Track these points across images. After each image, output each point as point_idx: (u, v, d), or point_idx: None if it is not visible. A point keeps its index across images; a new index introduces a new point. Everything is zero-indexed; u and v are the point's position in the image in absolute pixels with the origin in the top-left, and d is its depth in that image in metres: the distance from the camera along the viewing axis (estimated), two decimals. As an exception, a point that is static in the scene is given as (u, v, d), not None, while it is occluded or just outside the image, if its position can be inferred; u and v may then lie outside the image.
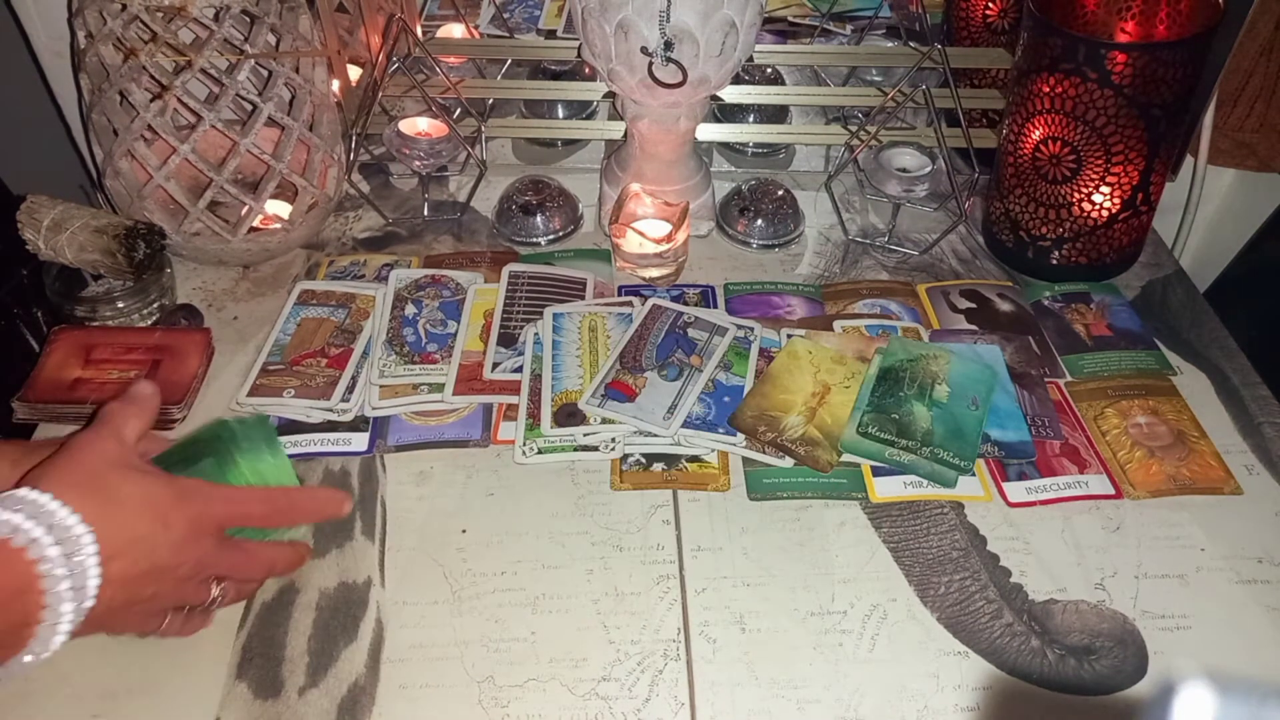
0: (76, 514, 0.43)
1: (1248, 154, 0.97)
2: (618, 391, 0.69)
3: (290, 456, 0.68)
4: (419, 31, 0.93)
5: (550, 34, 1.04)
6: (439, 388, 0.71)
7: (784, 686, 0.55)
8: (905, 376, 0.70)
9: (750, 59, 0.83)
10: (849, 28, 1.03)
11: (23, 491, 0.43)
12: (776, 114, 0.99)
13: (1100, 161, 0.74)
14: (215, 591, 0.51)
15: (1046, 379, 0.73)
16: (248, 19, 0.79)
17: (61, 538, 0.42)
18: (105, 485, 0.46)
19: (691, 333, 0.74)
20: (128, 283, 0.77)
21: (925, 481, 0.66)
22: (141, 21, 0.75)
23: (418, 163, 0.87)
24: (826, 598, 0.60)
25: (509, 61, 1.03)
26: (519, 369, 0.72)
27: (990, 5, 0.92)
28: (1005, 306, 0.80)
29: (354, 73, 0.92)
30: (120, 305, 0.77)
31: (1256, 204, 1.01)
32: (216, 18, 0.77)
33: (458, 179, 0.95)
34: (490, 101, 0.99)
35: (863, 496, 0.65)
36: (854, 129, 0.91)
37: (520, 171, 0.92)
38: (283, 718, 0.54)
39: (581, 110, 1.00)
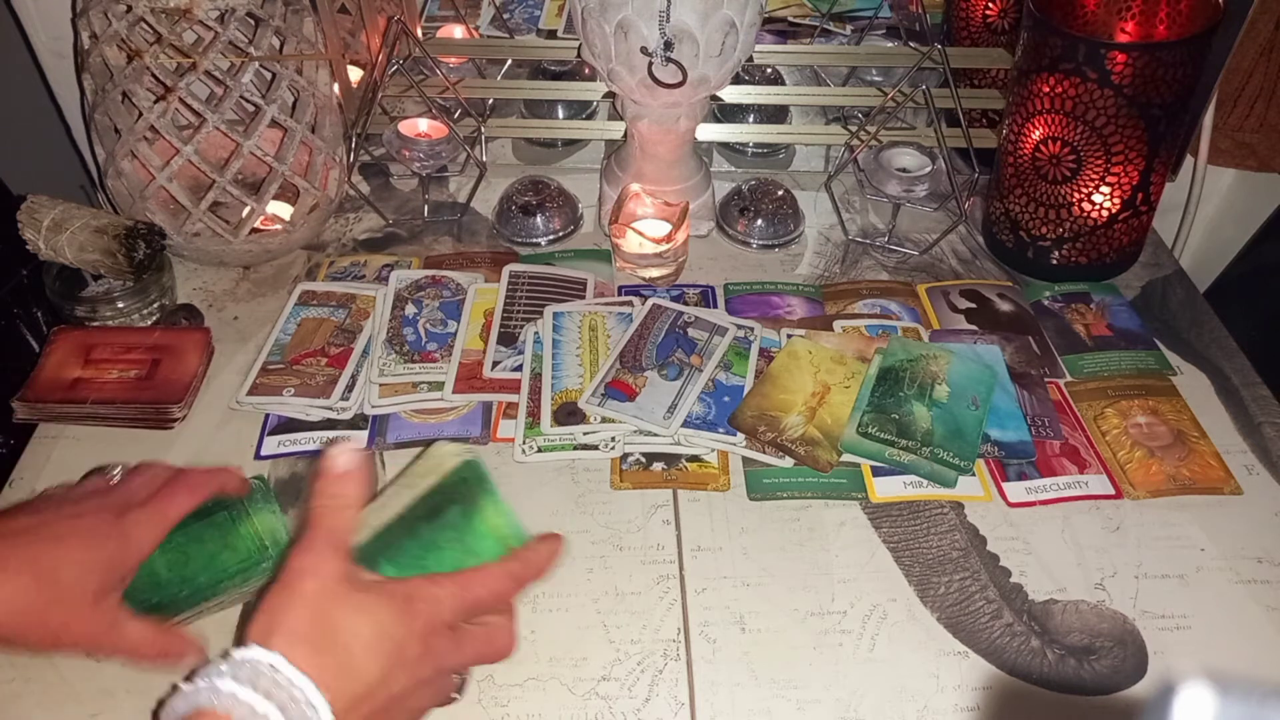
0: (306, 676, 0.38)
1: (1248, 154, 0.97)
2: (618, 391, 0.69)
3: (290, 455, 0.68)
4: (419, 32, 0.93)
5: (550, 34, 1.04)
6: (439, 386, 0.71)
7: (784, 686, 0.55)
8: (905, 376, 0.70)
9: (750, 59, 0.83)
10: (849, 28, 1.03)
11: (254, 654, 0.38)
12: (776, 114, 0.99)
13: (1100, 161, 0.74)
14: (456, 680, 0.48)
15: (1046, 379, 0.73)
16: (252, 21, 0.79)
17: (293, 712, 0.37)
18: (333, 630, 0.40)
19: (691, 332, 0.74)
20: (128, 283, 0.77)
21: (925, 481, 0.66)
22: (146, 23, 0.76)
23: (418, 164, 0.87)
24: (826, 598, 0.60)
25: (509, 62, 1.03)
26: (519, 368, 0.72)
27: (990, 5, 0.92)
28: (1005, 306, 0.80)
29: (355, 74, 0.92)
30: (120, 305, 0.77)
31: (1256, 204, 1.01)
32: (221, 20, 0.77)
33: (458, 180, 0.95)
34: (490, 102, 0.99)
35: (863, 496, 0.65)
36: (854, 129, 0.91)
37: (520, 172, 0.92)
38: (282, 717, 0.54)
39: (581, 110, 1.00)
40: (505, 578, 0.46)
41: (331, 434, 0.69)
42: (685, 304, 0.78)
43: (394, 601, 0.43)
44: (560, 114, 1.00)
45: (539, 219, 0.87)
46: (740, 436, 0.68)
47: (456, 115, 0.92)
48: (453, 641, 0.44)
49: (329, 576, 0.42)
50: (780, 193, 0.88)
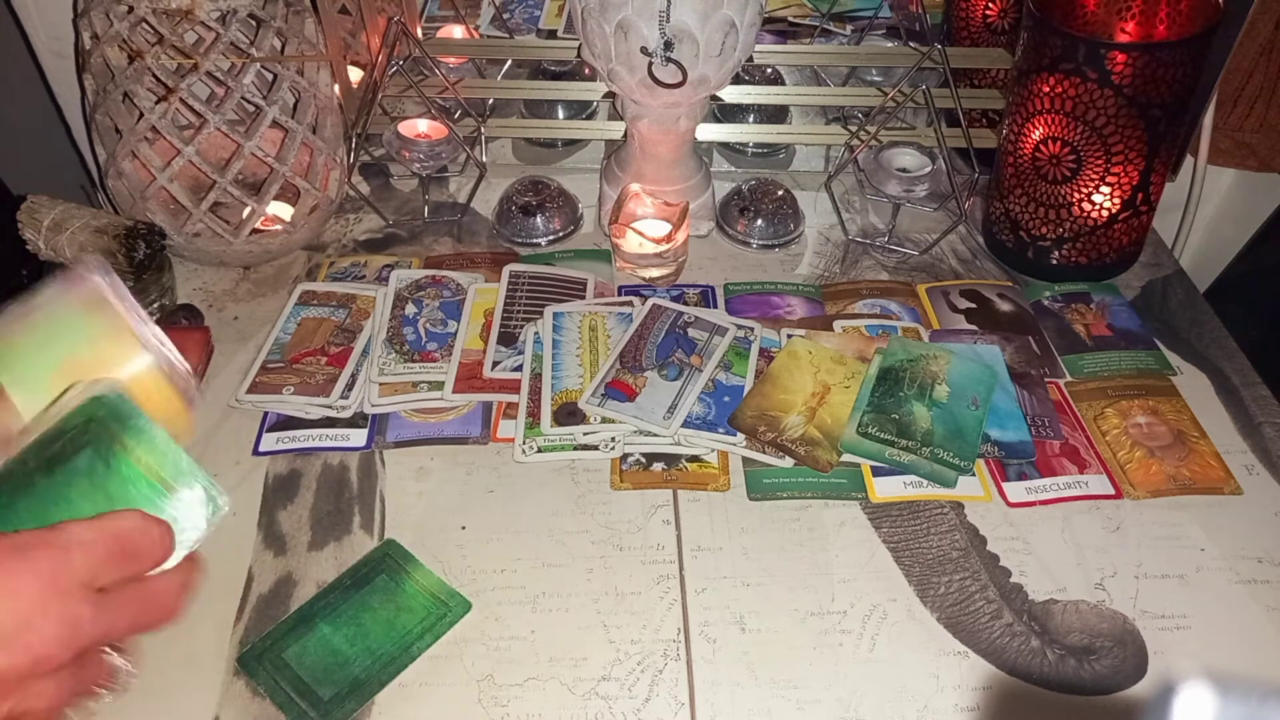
0: None
1: (1248, 154, 0.97)
2: (618, 391, 0.69)
3: (289, 452, 0.68)
4: (419, 33, 0.93)
5: (550, 34, 1.04)
6: (439, 385, 0.71)
7: (784, 686, 0.55)
8: (905, 376, 0.70)
9: (750, 59, 0.83)
10: (849, 28, 1.03)
11: None
12: (776, 114, 0.99)
13: (1100, 161, 0.74)
14: (109, 665, 0.36)
15: (1046, 379, 0.73)
16: (253, 22, 0.79)
17: None
18: None
19: (691, 333, 0.74)
20: (128, 283, 0.77)
21: (925, 481, 0.66)
22: (148, 24, 0.76)
23: (418, 164, 0.87)
24: (826, 598, 0.60)
25: (509, 62, 1.03)
26: (519, 368, 0.72)
27: (990, 5, 0.92)
28: (1005, 306, 0.80)
29: (355, 74, 0.92)
30: (121, 305, 0.77)
31: (1256, 204, 1.01)
32: (222, 21, 0.77)
33: (458, 180, 0.95)
34: (490, 102, 0.99)
35: (863, 496, 0.65)
36: (854, 129, 0.91)
37: (520, 172, 0.92)
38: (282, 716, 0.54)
39: (581, 110, 1.00)
40: (148, 518, 0.36)
41: (330, 431, 0.69)
42: (685, 304, 0.78)
43: None
44: (560, 114, 1.00)
45: (539, 219, 0.87)
46: (740, 436, 0.68)
47: (456, 115, 0.92)
48: (94, 605, 0.33)
49: None
50: (780, 193, 0.88)
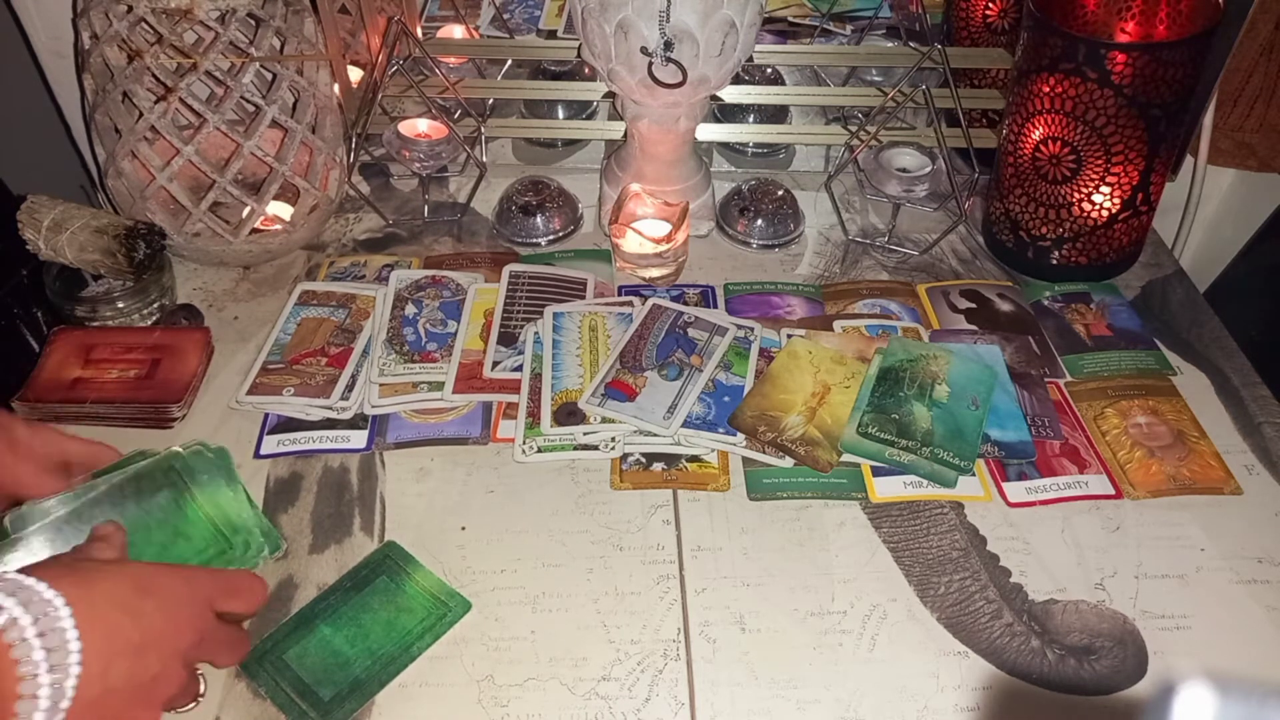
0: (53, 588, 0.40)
1: (1248, 154, 0.97)
2: (618, 391, 0.69)
3: (288, 454, 0.68)
4: (419, 32, 0.93)
5: (550, 34, 1.04)
6: (439, 386, 0.71)
7: (784, 686, 0.55)
8: (905, 376, 0.70)
9: (750, 59, 0.83)
10: (849, 28, 1.03)
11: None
12: (776, 114, 0.99)
13: (1100, 161, 0.74)
14: (202, 688, 0.51)
15: (1046, 379, 0.73)
16: (253, 22, 0.79)
17: (38, 611, 0.39)
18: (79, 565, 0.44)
19: (691, 333, 0.74)
20: (128, 283, 0.77)
21: (925, 481, 0.66)
22: (147, 23, 0.76)
23: (418, 164, 0.87)
24: (826, 598, 0.60)
25: (509, 62, 1.03)
26: (519, 368, 0.72)
27: (990, 5, 0.92)
28: (1005, 306, 0.80)
29: (355, 74, 0.92)
30: (120, 305, 0.77)
31: (1256, 204, 1.01)
32: (222, 20, 0.77)
33: (458, 180, 0.95)
34: (490, 102, 0.99)
35: (863, 496, 0.65)
36: (854, 129, 0.91)
37: (520, 172, 0.92)
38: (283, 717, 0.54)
39: (581, 110, 1.00)
40: (256, 578, 0.50)
41: (331, 432, 0.69)
42: (685, 304, 0.78)
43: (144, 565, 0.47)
44: (560, 114, 1.00)
45: (539, 219, 0.87)
46: (740, 436, 0.68)
47: (456, 115, 0.92)
48: (215, 620, 0.47)
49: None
50: (780, 193, 0.88)
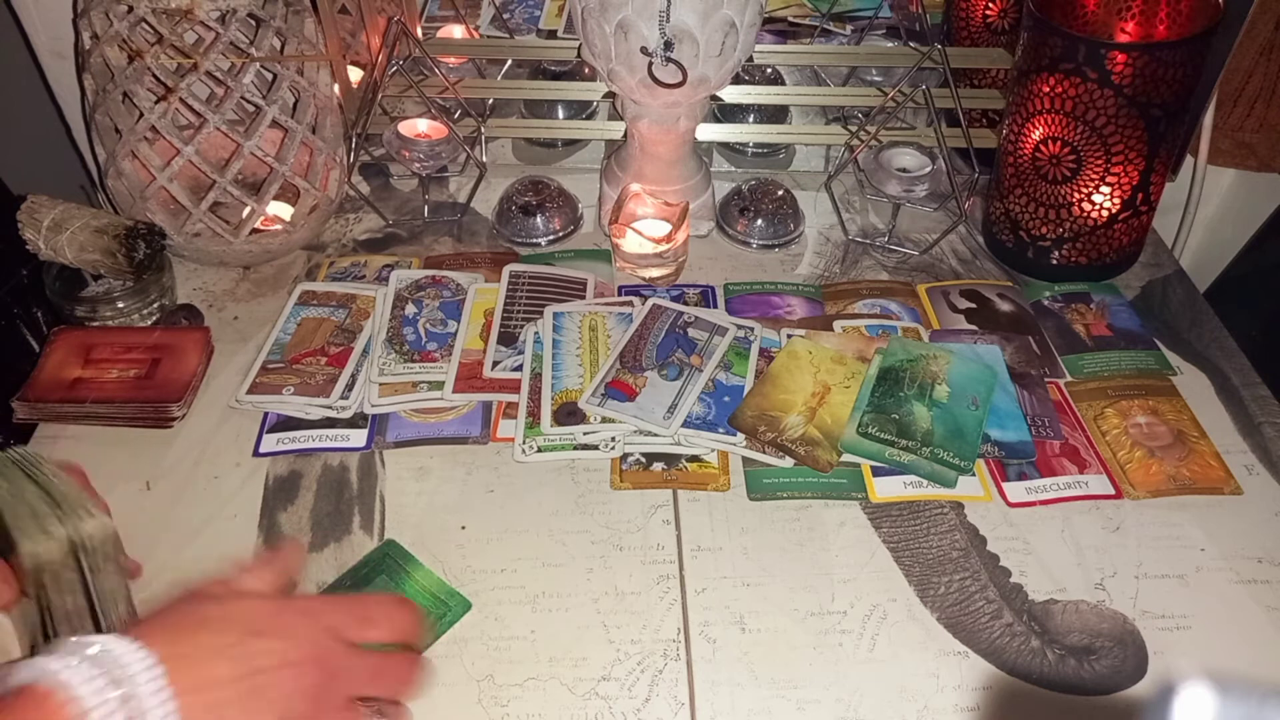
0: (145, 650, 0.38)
1: (1248, 154, 0.97)
2: (618, 391, 0.69)
3: (288, 453, 0.69)
4: (419, 33, 0.93)
5: (550, 34, 1.04)
6: (439, 385, 0.71)
7: (784, 686, 0.55)
8: (905, 376, 0.70)
9: (750, 59, 0.83)
10: (849, 28, 1.03)
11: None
12: (776, 114, 0.99)
13: (1100, 161, 0.74)
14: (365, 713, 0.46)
15: (1046, 379, 0.73)
16: (253, 22, 0.79)
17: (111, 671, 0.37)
18: (187, 618, 0.42)
19: (691, 333, 0.74)
20: (128, 283, 0.77)
21: (925, 481, 0.66)
22: (147, 23, 0.76)
23: (418, 164, 0.87)
24: (826, 598, 0.60)
25: (509, 62, 1.03)
26: (519, 368, 0.72)
27: (990, 5, 0.92)
28: (1005, 306, 0.80)
29: (355, 74, 0.92)
30: (120, 305, 0.77)
31: (1256, 204, 1.01)
32: (222, 20, 0.77)
33: (458, 180, 0.95)
34: (490, 102, 0.99)
35: (863, 496, 0.65)
36: (854, 129, 0.91)
37: (520, 172, 0.92)
38: (282, 717, 0.54)
39: (581, 110, 1.00)
40: (402, 602, 0.48)
41: (330, 431, 0.69)
42: (685, 304, 0.78)
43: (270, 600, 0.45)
44: (560, 114, 1.00)
45: (539, 219, 0.87)
46: (740, 436, 0.68)
47: (456, 115, 0.92)
48: (342, 648, 0.44)
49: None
50: (780, 193, 0.88)
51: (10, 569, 0.51)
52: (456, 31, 1.02)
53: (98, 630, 0.52)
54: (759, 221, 0.87)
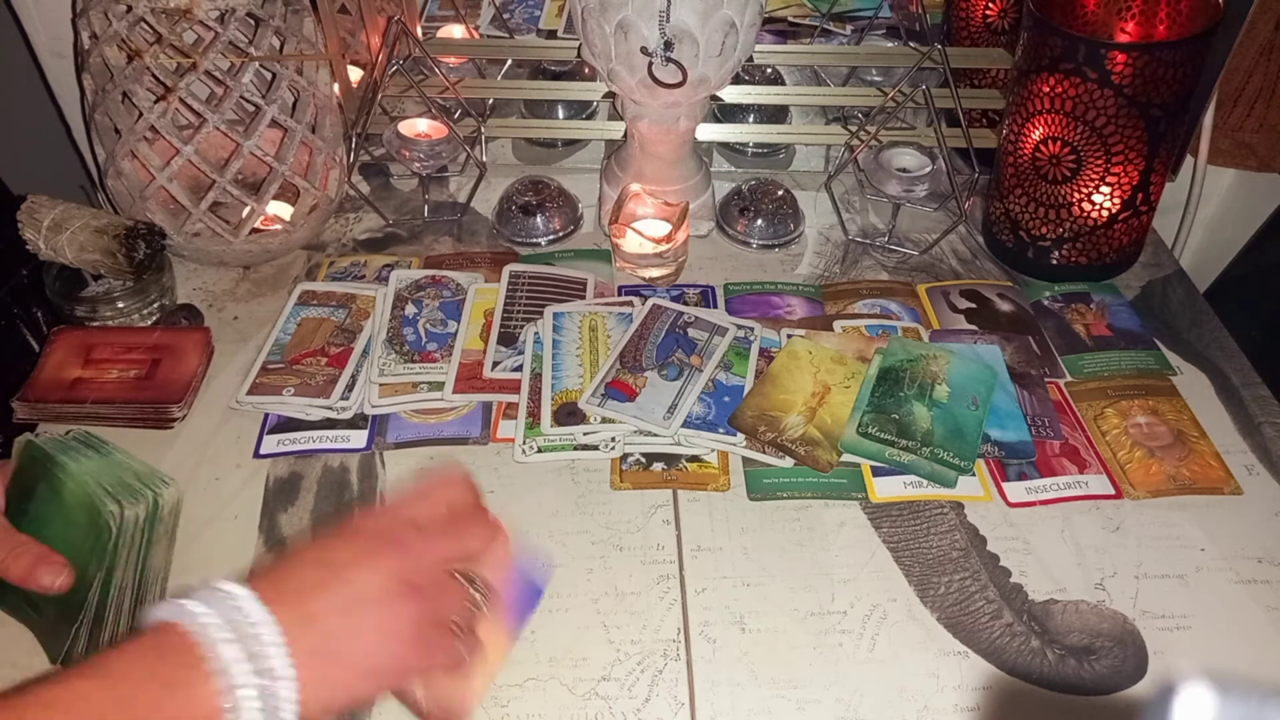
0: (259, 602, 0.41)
1: (1248, 154, 0.97)
2: (618, 391, 0.69)
3: (289, 454, 0.68)
4: (419, 32, 0.93)
5: (550, 34, 1.04)
6: (439, 386, 0.71)
7: (784, 686, 0.55)
8: (905, 376, 0.70)
9: (750, 59, 0.83)
10: (849, 28, 1.03)
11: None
12: (776, 114, 0.99)
13: (1100, 161, 0.74)
14: (471, 592, 0.46)
15: (1046, 379, 0.73)
16: (252, 21, 0.79)
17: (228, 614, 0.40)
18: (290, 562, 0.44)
19: (691, 333, 0.74)
20: (128, 283, 0.77)
21: (925, 481, 0.66)
22: (146, 23, 0.76)
23: (418, 164, 0.87)
24: (826, 598, 0.60)
25: (509, 62, 1.03)
26: (519, 368, 0.72)
27: (990, 5, 0.92)
28: (1005, 306, 0.80)
29: (355, 74, 0.92)
30: (120, 305, 0.77)
31: (1256, 204, 1.01)
32: (221, 20, 0.77)
33: (458, 180, 0.95)
34: (490, 102, 0.99)
35: (863, 496, 0.65)
36: (854, 129, 0.91)
37: (520, 172, 0.92)
38: (282, 717, 0.54)
39: (581, 110, 1.00)
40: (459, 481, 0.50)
41: (331, 432, 0.69)
42: (685, 304, 0.78)
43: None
44: (560, 114, 1.00)
45: (539, 219, 0.87)
46: (740, 436, 0.68)
47: (456, 115, 0.92)
48: (422, 534, 0.45)
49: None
50: (780, 193, 0.88)
51: (58, 556, 0.55)
52: (456, 31, 1.02)
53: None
54: (759, 221, 0.87)
